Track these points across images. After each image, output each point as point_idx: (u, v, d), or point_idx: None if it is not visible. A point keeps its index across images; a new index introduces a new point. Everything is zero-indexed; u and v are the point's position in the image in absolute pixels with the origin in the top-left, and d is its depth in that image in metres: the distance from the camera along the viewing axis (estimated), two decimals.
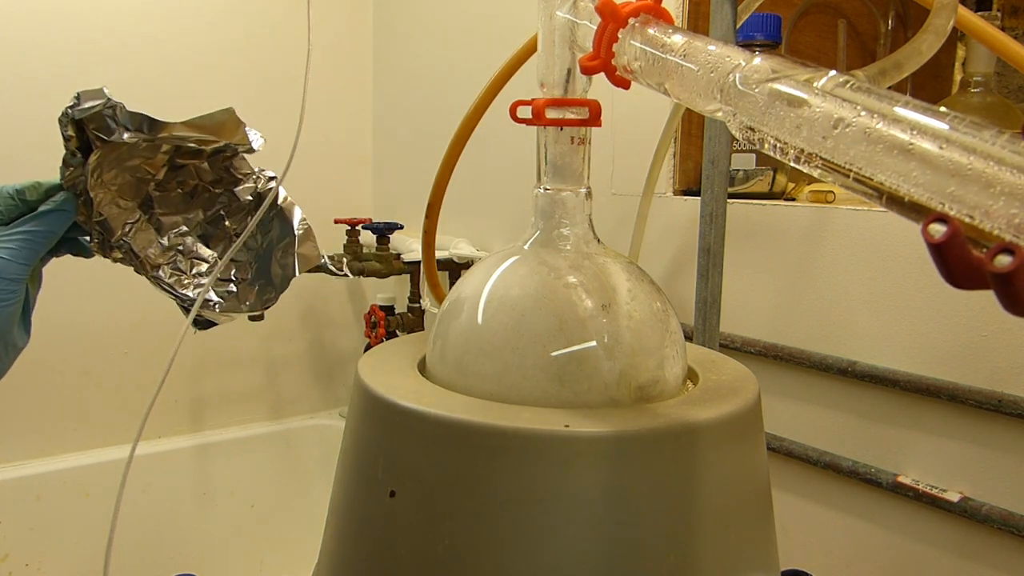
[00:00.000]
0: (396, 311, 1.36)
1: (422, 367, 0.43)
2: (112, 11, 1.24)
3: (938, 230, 0.21)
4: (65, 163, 0.50)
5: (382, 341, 1.07)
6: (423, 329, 1.35)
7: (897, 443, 0.74)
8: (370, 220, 1.32)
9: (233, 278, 0.58)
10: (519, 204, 1.21)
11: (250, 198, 0.59)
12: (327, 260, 1.26)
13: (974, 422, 0.69)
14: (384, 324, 1.32)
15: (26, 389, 1.23)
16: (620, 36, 0.34)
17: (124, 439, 1.30)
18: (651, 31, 0.33)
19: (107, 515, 0.44)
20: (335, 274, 1.25)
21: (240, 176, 0.58)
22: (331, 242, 1.35)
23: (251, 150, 0.56)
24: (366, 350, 1.35)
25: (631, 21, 0.34)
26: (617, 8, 0.35)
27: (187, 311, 0.55)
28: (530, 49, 0.65)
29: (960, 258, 0.21)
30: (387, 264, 1.28)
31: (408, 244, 1.31)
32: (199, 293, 0.55)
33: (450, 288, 1.30)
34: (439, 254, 1.19)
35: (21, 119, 1.18)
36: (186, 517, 1.33)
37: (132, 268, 0.55)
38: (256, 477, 1.41)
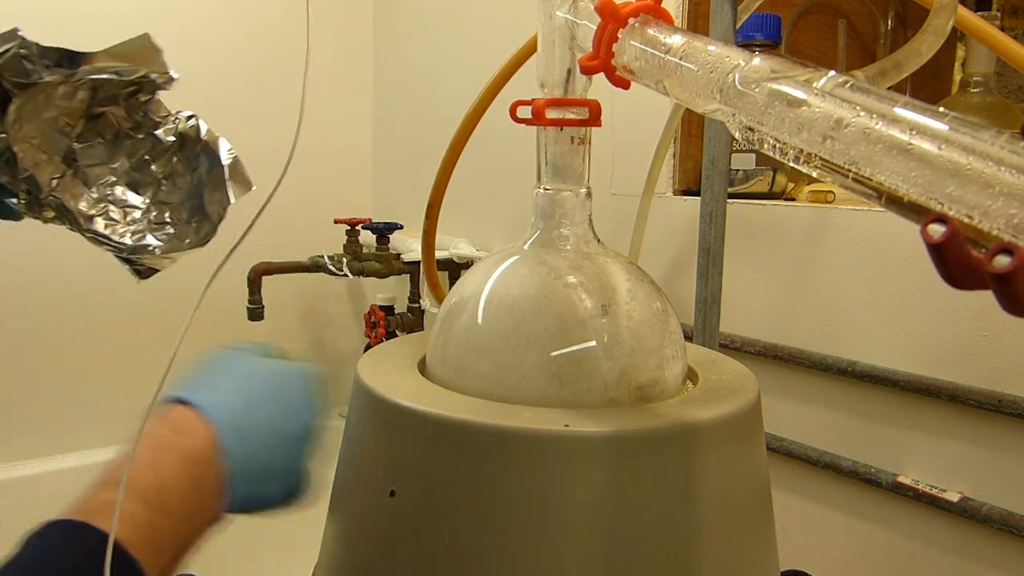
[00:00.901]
0: (396, 311, 1.36)
1: (422, 367, 0.43)
2: (111, 12, 1.24)
3: (937, 230, 0.21)
4: None
5: (382, 341, 1.07)
6: (423, 329, 1.35)
7: (897, 443, 0.74)
8: (370, 220, 1.32)
9: (168, 220, 0.58)
10: (519, 204, 1.21)
11: (172, 139, 0.58)
12: (327, 260, 1.26)
13: (974, 422, 0.69)
14: (384, 324, 1.32)
15: (26, 389, 1.23)
16: (620, 36, 0.34)
17: (124, 439, 1.30)
18: (651, 31, 0.33)
19: None
20: (335, 274, 1.25)
21: (158, 119, 0.58)
22: (331, 242, 1.35)
23: (170, 79, 0.56)
24: (366, 350, 1.35)
25: (631, 21, 0.34)
26: (617, 8, 0.35)
27: (127, 261, 0.55)
28: (530, 49, 0.65)
29: (959, 258, 0.21)
30: (387, 264, 1.28)
31: (408, 244, 1.31)
32: (137, 239, 0.55)
33: (450, 288, 1.30)
34: (439, 254, 1.19)
35: None
36: None
37: (66, 226, 0.54)
38: None
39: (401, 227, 1.32)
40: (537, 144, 0.41)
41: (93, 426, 1.29)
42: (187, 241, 0.56)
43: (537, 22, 0.41)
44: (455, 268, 1.25)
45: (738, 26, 0.64)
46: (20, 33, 0.47)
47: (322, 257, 1.27)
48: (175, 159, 0.58)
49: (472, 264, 1.23)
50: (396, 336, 1.14)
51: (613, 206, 0.99)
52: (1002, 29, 0.62)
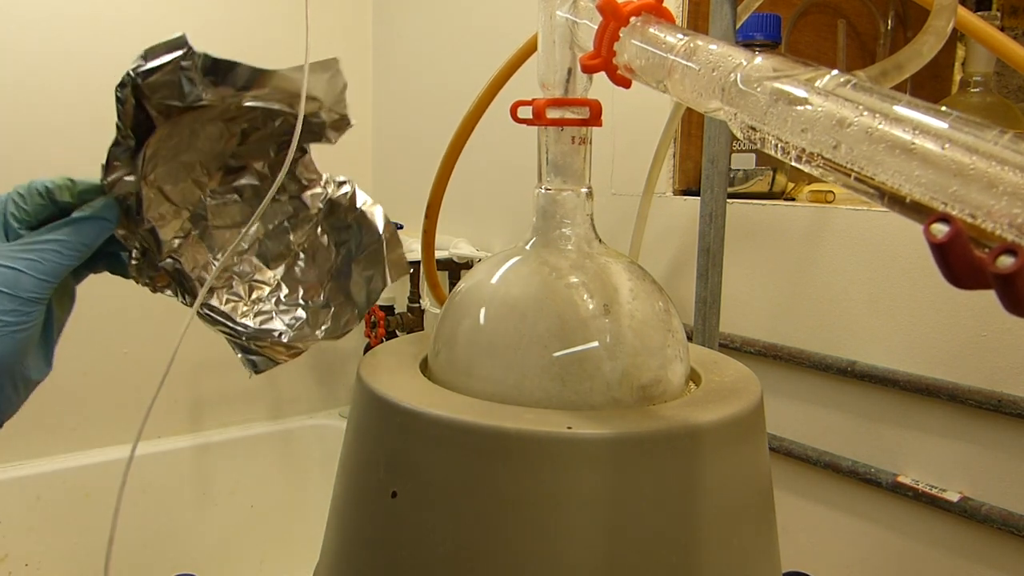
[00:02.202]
0: (396, 311, 1.36)
1: (423, 367, 0.43)
2: (112, 13, 1.24)
3: (940, 230, 0.21)
4: (111, 156, 0.39)
5: (382, 341, 1.07)
6: (423, 329, 1.35)
7: (897, 443, 0.74)
8: None
9: (301, 301, 0.48)
10: (519, 204, 1.21)
11: (320, 206, 0.49)
12: None
13: (974, 422, 0.69)
14: (384, 324, 1.32)
15: None
16: (621, 35, 0.34)
17: (124, 439, 1.30)
18: (652, 30, 0.33)
19: (107, 515, 0.44)
20: None
21: (306, 181, 0.48)
22: None
23: (346, 124, 0.46)
24: (366, 350, 1.35)
25: (632, 20, 0.34)
26: (619, 7, 0.35)
27: (243, 348, 0.46)
28: (530, 49, 0.65)
29: (962, 258, 0.21)
30: None
31: (408, 244, 1.31)
32: (261, 321, 0.45)
33: (450, 288, 1.30)
34: (439, 254, 1.19)
35: (22, 124, 1.18)
36: (186, 517, 1.33)
37: (177, 298, 0.45)
38: (256, 477, 1.41)
39: (401, 227, 1.32)
40: (538, 144, 0.41)
41: (93, 426, 1.29)
42: (322, 328, 0.47)
43: (537, 22, 0.41)
44: (455, 268, 1.25)
45: (738, 26, 0.64)
46: (187, 40, 0.39)
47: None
48: (319, 229, 0.48)
49: (472, 264, 1.23)
50: (396, 336, 1.14)
51: (613, 206, 0.99)
52: (1002, 29, 0.62)
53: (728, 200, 0.69)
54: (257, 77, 0.41)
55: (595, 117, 0.40)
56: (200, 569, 1.31)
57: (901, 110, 0.24)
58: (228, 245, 0.46)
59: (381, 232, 0.48)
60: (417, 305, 1.34)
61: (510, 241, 1.10)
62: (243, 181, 0.47)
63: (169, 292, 0.45)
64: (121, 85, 0.39)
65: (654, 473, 0.34)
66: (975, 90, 0.80)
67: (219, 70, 0.40)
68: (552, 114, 0.39)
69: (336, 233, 0.49)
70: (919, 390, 0.71)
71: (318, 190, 0.49)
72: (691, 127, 0.94)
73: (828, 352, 0.78)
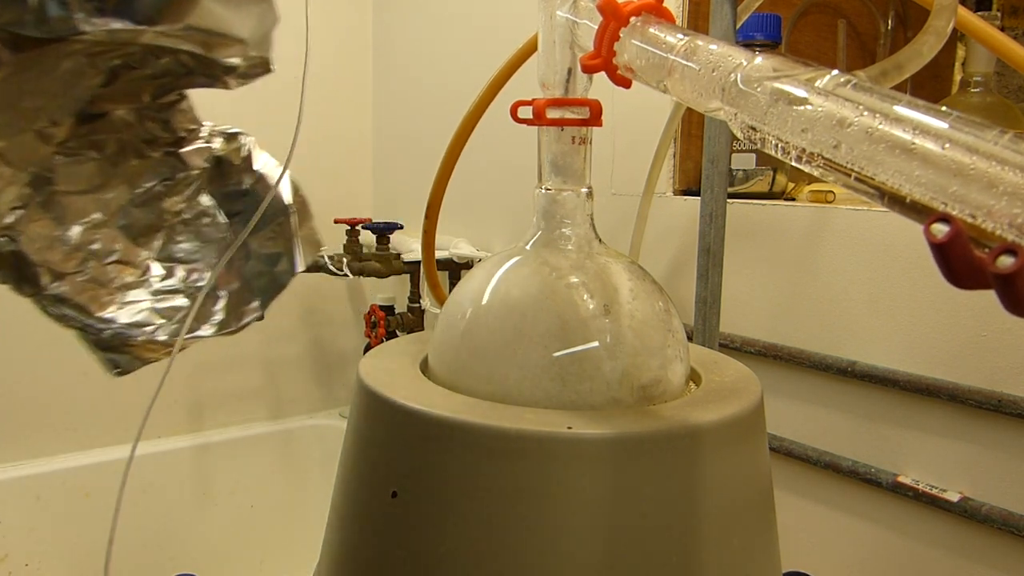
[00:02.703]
0: (396, 311, 1.36)
1: (424, 367, 0.43)
2: None
3: (940, 230, 0.21)
4: None
5: (382, 341, 1.07)
6: (423, 329, 1.35)
7: (897, 443, 0.74)
8: (370, 220, 1.32)
9: (181, 286, 0.37)
10: (519, 204, 1.21)
11: (205, 164, 0.38)
12: (327, 260, 1.26)
13: (974, 422, 0.69)
14: (384, 324, 1.32)
15: (26, 389, 1.23)
16: (622, 35, 0.34)
17: (124, 439, 1.30)
18: (653, 30, 0.33)
19: (107, 515, 0.44)
20: (335, 274, 1.25)
21: (184, 132, 0.37)
22: (331, 242, 1.35)
23: (266, 66, 0.37)
24: (366, 350, 1.35)
25: (633, 20, 0.34)
26: (619, 7, 0.35)
27: (102, 346, 0.36)
28: (530, 49, 0.65)
29: (962, 258, 0.21)
30: (387, 264, 1.28)
31: (408, 244, 1.31)
32: (132, 315, 0.34)
33: (450, 288, 1.30)
34: (439, 254, 1.19)
35: None
36: (186, 517, 1.33)
37: (9, 285, 0.35)
38: (256, 477, 1.41)
39: (401, 227, 1.32)
40: (538, 144, 0.41)
41: (93, 426, 1.29)
42: (212, 322, 0.38)
43: (537, 22, 0.41)
44: (455, 268, 1.25)
45: (738, 26, 0.64)
46: None
47: (322, 257, 1.27)
48: (204, 195, 0.38)
49: (472, 264, 1.23)
50: (396, 336, 1.14)
51: (613, 206, 0.99)
52: (1002, 29, 0.62)
53: (728, 200, 0.69)
54: (171, 5, 0.30)
55: (595, 117, 0.40)
56: (200, 569, 1.31)
57: (901, 110, 0.24)
58: (81, 217, 0.35)
59: (288, 201, 0.38)
60: (417, 305, 1.34)
61: (510, 241, 1.10)
62: (103, 132, 0.35)
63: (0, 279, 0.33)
64: None
65: (654, 473, 0.34)
66: (975, 90, 0.80)
67: None
68: (552, 114, 0.39)
69: (226, 200, 0.39)
70: (919, 390, 0.71)
71: (199, 144, 0.38)
72: (691, 127, 0.94)
73: (828, 352, 0.78)
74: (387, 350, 0.46)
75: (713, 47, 0.31)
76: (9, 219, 0.33)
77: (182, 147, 0.37)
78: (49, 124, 0.33)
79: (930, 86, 1.05)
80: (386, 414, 0.37)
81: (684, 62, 0.31)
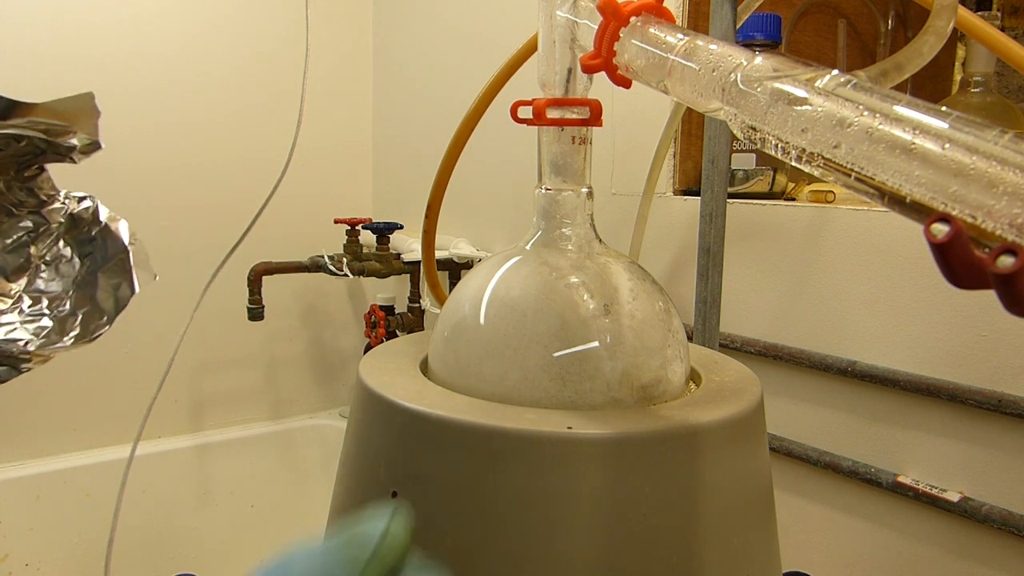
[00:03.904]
0: (396, 311, 1.36)
1: (424, 367, 0.43)
2: (110, 15, 1.24)
3: (941, 230, 0.21)
4: None
5: (382, 341, 1.07)
6: (423, 329, 1.35)
7: (897, 443, 0.74)
8: (370, 220, 1.32)
9: (47, 311, 0.49)
10: (519, 204, 1.21)
11: (61, 220, 0.51)
12: (327, 260, 1.26)
13: (974, 422, 0.69)
14: (384, 324, 1.32)
15: (26, 389, 1.23)
16: (622, 35, 0.34)
17: (124, 439, 1.30)
18: (653, 30, 0.33)
19: (107, 515, 0.44)
20: (335, 274, 1.25)
21: (45, 197, 0.50)
22: (331, 242, 1.35)
23: (96, 147, 0.49)
24: (366, 350, 1.35)
25: (633, 20, 0.34)
26: (619, 7, 0.35)
27: None
28: (530, 49, 0.65)
29: (962, 258, 0.21)
30: (387, 264, 1.28)
31: (408, 244, 1.31)
32: (5, 332, 0.46)
33: (450, 288, 1.29)
34: (439, 254, 1.19)
35: None
36: (186, 517, 1.33)
37: None
38: (256, 477, 1.41)
39: (401, 227, 1.32)
40: (538, 144, 0.41)
41: (93, 426, 1.29)
42: (70, 335, 0.49)
43: (537, 22, 0.41)
44: (455, 268, 1.25)
45: (738, 26, 0.64)
46: None
47: (322, 257, 1.27)
48: (60, 243, 0.50)
49: (472, 264, 1.23)
50: (396, 336, 1.14)
51: (613, 206, 0.99)
52: (1002, 29, 0.62)
53: (728, 200, 0.69)
54: (16, 109, 0.42)
55: (595, 117, 0.40)
56: (200, 569, 1.31)
57: (901, 110, 0.24)
58: None
59: (127, 243, 0.50)
60: (417, 305, 1.34)
61: (510, 241, 1.10)
62: None
63: None
64: None
65: (654, 473, 0.34)
66: (975, 90, 0.80)
67: None
68: (552, 114, 0.39)
69: (79, 246, 0.50)
70: (919, 390, 0.71)
71: (57, 205, 0.50)
72: (691, 127, 0.94)
73: (828, 352, 0.78)
74: (387, 350, 0.46)
75: (713, 47, 0.31)
76: None
77: (44, 208, 0.50)
78: None
79: (930, 86, 1.05)
80: (386, 414, 0.37)
81: (684, 62, 0.31)
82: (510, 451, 0.34)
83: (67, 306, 0.50)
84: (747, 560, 0.38)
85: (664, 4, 0.35)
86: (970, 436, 0.69)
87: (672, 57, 0.32)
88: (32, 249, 0.50)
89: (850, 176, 0.26)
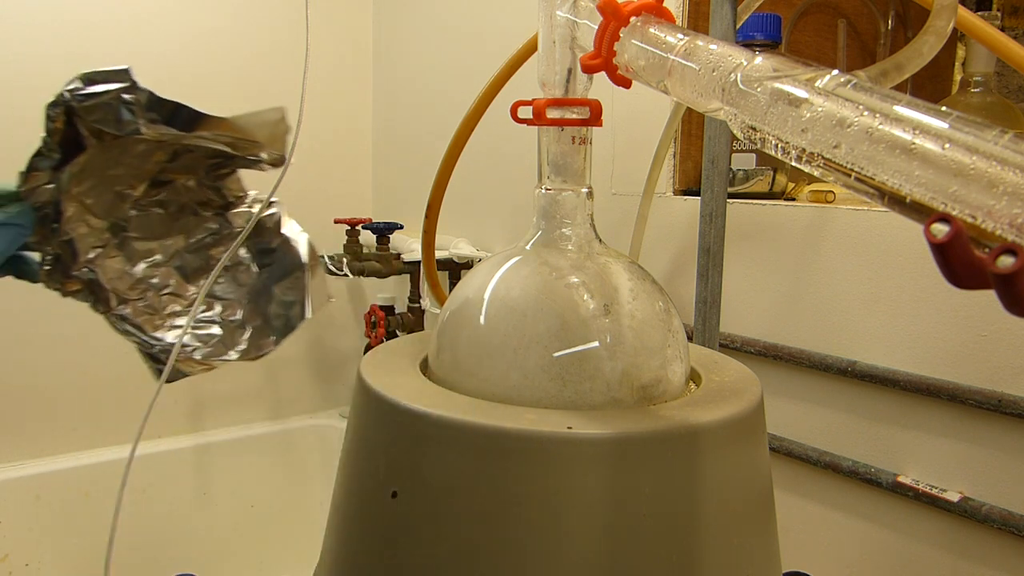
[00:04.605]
0: (396, 311, 1.36)
1: (424, 367, 0.43)
2: (110, 14, 1.24)
3: (941, 230, 0.21)
4: (32, 166, 0.39)
5: (382, 341, 1.07)
6: (423, 329, 1.35)
7: (897, 443, 0.74)
8: (370, 220, 1.32)
9: (218, 319, 0.48)
10: (519, 204, 1.21)
11: (244, 226, 0.49)
12: (327, 260, 1.26)
13: (974, 422, 0.69)
14: (384, 324, 1.32)
15: (26, 389, 1.23)
16: (622, 35, 0.34)
17: (124, 439, 1.30)
18: (653, 30, 0.33)
19: (107, 515, 0.44)
20: (335, 274, 1.25)
21: (233, 198, 0.49)
22: (331, 242, 1.35)
23: (282, 160, 0.47)
24: (366, 350, 1.35)
25: (633, 20, 0.34)
26: (619, 7, 0.35)
27: (152, 358, 0.46)
28: (530, 49, 0.65)
29: (962, 258, 0.21)
30: (387, 264, 1.28)
31: (408, 244, 1.31)
32: (175, 336, 0.45)
33: (450, 288, 1.29)
34: (439, 254, 1.19)
35: (14, 127, 1.18)
36: (186, 517, 1.33)
37: (87, 304, 0.45)
38: (256, 477, 1.41)
39: (401, 227, 1.32)
40: (538, 144, 0.41)
41: (93, 426, 1.29)
42: (237, 349, 0.47)
43: (537, 22, 0.41)
44: (455, 268, 1.25)
45: (738, 26, 0.64)
46: (131, 75, 0.39)
47: (322, 257, 1.27)
48: (243, 248, 0.48)
49: (472, 264, 1.23)
50: (396, 336, 1.14)
51: (613, 206, 0.99)
52: (1002, 29, 0.62)
53: (728, 200, 0.69)
54: (202, 121, 0.41)
55: (595, 117, 0.40)
56: (200, 569, 1.30)
57: (901, 110, 0.24)
58: (146, 257, 0.46)
59: (305, 261, 0.48)
60: (417, 305, 1.34)
61: (510, 241, 1.10)
62: (168, 195, 0.47)
63: (80, 298, 0.45)
64: (53, 104, 0.39)
65: (654, 473, 0.34)
66: (975, 90, 0.80)
67: (163, 109, 0.40)
68: (552, 114, 0.39)
69: (260, 255, 0.49)
70: (919, 390, 0.71)
71: (243, 208, 0.49)
72: (691, 127, 0.94)
73: (828, 352, 0.78)
74: (387, 350, 0.46)
75: (713, 47, 0.31)
76: (91, 255, 0.44)
77: (229, 210, 0.49)
78: (127, 187, 0.44)
79: (930, 86, 1.05)
80: (386, 414, 0.37)
81: (684, 62, 0.31)
82: (510, 451, 0.34)
83: (239, 315, 0.48)
84: (747, 560, 0.38)
85: (664, 4, 0.35)
86: (970, 436, 0.69)
87: (672, 57, 0.32)
88: (212, 251, 0.49)
89: (850, 176, 0.26)
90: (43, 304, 1.22)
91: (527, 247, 0.42)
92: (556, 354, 0.37)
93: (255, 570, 1.40)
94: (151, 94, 0.40)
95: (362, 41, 1.52)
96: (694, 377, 0.44)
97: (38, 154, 0.39)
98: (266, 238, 0.48)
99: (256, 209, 0.48)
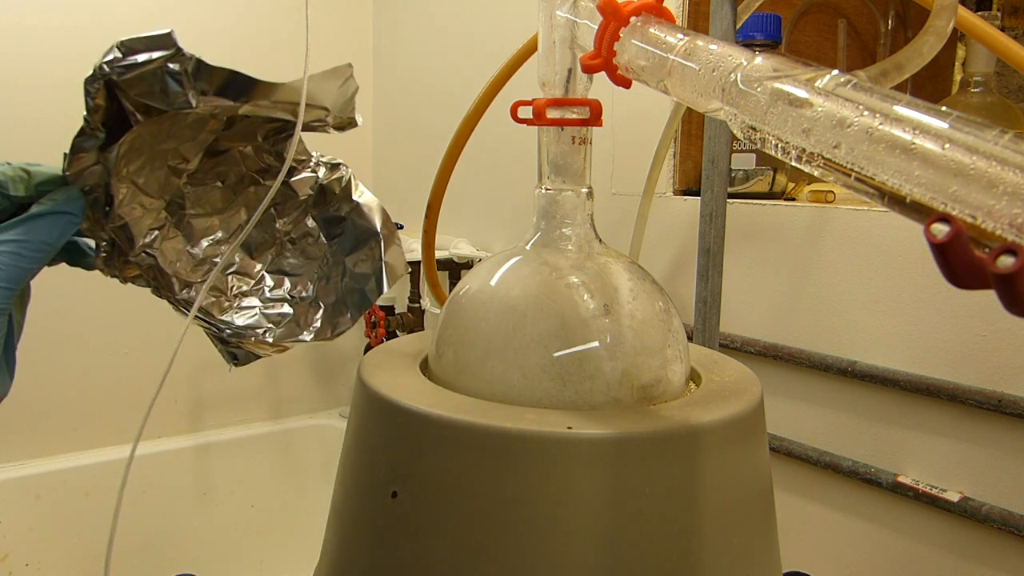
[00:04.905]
0: (396, 311, 1.36)
1: (424, 367, 0.43)
2: (110, 16, 1.24)
3: (941, 230, 0.21)
4: (75, 147, 0.35)
5: (382, 341, 1.07)
6: (423, 329, 1.35)
7: (897, 443, 0.74)
8: None
9: (288, 296, 0.44)
10: (519, 204, 1.21)
11: (311, 192, 0.44)
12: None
13: (974, 422, 0.69)
14: (384, 324, 1.32)
15: (26, 389, 1.23)
16: (622, 35, 0.34)
17: (124, 439, 1.30)
18: (653, 30, 0.33)
19: (107, 515, 0.44)
20: None
21: (295, 163, 0.44)
22: None
23: (352, 122, 0.42)
24: (366, 350, 1.35)
25: (633, 20, 0.34)
26: (619, 7, 0.35)
27: (223, 342, 0.43)
28: (530, 49, 0.65)
29: (962, 258, 0.21)
30: None
31: (408, 244, 1.31)
32: (245, 318, 0.42)
33: (450, 288, 1.30)
34: (439, 254, 1.19)
35: (17, 119, 1.18)
36: (186, 517, 1.33)
37: (150, 289, 0.42)
38: (256, 477, 1.41)
39: (401, 227, 1.32)
40: (538, 144, 0.41)
41: (93, 426, 1.29)
42: (311, 328, 0.43)
43: (537, 22, 0.41)
44: (455, 268, 1.25)
45: (738, 26, 0.64)
46: (175, 39, 0.36)
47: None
48: (308, 218, 0.44)
49: (472, 264, 1.23)
50: (396, 336, 1.14)
51: (613, 206, 0.99)
52: (1002, 29, 0.62)
53: (728, 200, 0.69)
54: (258, 89, 0.38)
55: (595, 117, 0.40)
56: (200, 569, 1.31)
57: (901, 110, 0.24)
58: (207, 235, 0.42)
59: (379, 229, 0.44)
60: (417, 305, 1.34)
61: (510, 241, 1.10)
62: (226, 165, 0.43)
63: (141, 284, 0.41)
64: (92, 78, 0.35)
65: (654, 473, 0.34)
66: (975, 90, 0.80)
67: (214, 78, 0.36)
68: (552, 114, 0.39)
69: (327, 224, 0.44)
70: (919, 390, 0.71)
71: (307, 174, 0.44)
72: (691, 127, 0.94)
73: (828, 352, 0.78)
74: (387, 350, 0.46)
75: (713, 47, 0.31)
76: (148, 238, 0.40)
77: (292, 176, 0.44)
78: (181, 161, 0.40)
79: (930, 86, 1.05)
80: (386, 414, 0.37)
81: (684, 62, 0.31)
82: (510, 451, 0.34)
83: (310, 291, 0.44)
84: (747, 560, 0.38)
85: (664, 4, 0.35)
86: (970, 436, 0.69)
87: (672, 57, 0.32)
88: (278, 223, 0.44)
89: (850, 176, 0.26)
90: (43, 304, 1.22)
91: (527, 247, 0.42)
92: (556, 354, 0.37)
93: (255, 570, 1.40)
94: (199, 61, 0.36)
95: (362, 41, 1.52)
96: (694, 377, 0.44)
97: (81, 134, 0.35)
98: (334, 205, 0.44)
99: (321, 174, 0.44)
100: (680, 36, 0.32)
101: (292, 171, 0.44)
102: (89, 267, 0.41)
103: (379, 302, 1.35)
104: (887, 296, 0.73)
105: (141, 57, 0.35)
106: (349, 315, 0.44)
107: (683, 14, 0.91)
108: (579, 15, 0.38)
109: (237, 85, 0.37)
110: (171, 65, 0.35)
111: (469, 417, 0.35)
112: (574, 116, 0.40)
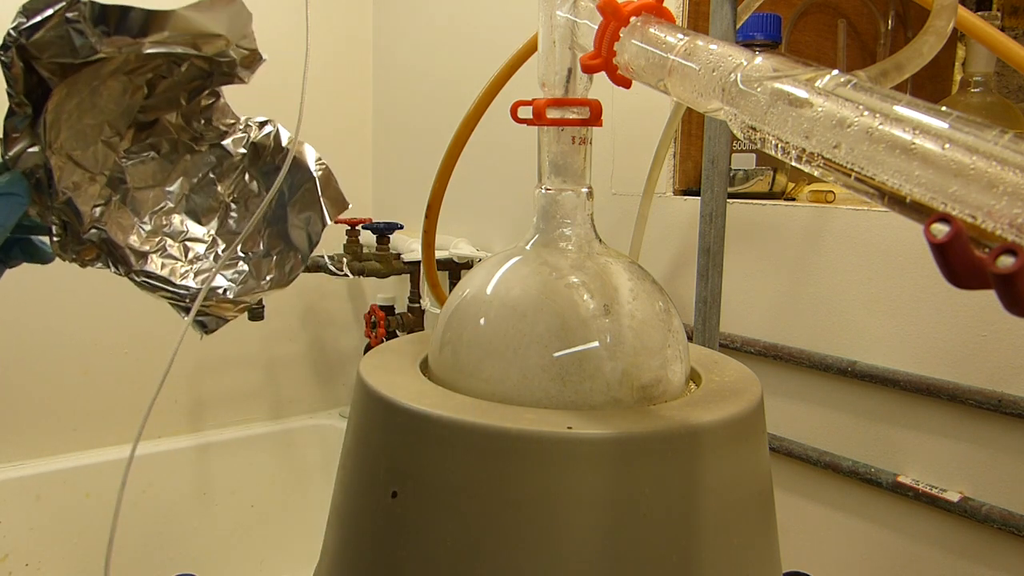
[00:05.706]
0: (396, 311, 1.36)
1: (424, 367, 0.43)
2: None
3: (941, 230, 0.21)
4: (8, 129, 0.37)
5: (382, 341, 1.07)
6: (423, 329, 1.35)
7: (897, 443, 0.74)
8: (370, 220, 1.32)
9: (241, 254, 0.46)
10: (519, 204, 1.21)
11: (243, 151, 0.46)
12: (327, 260, 1.26)
13: (974, 422, 0.69)
14: (384, 324, 1.32)
15: (26, 389, 1.23)
16: (622, 35, 0.34)
17: (124, 439, 1.30)
18: (653, 30, 0.33)
19: (107, 515, 0.43)
20: (335, 274, 1.25)
21: (224, 127, 0.47)
22: (331, 242, 1.35)
23: (257, 58, 0.44)
24: (366, 350, 1.35)
25: (633, 20, 0.34)
26: (619, 7, 0.35)
27: (187, 311, 0.44)
28: (530, 49, 0.65)
29: (962, 258, 0.21)
30: (387, 264, 1.28)
31: (408, 244, 1.31)
32: (203, 280, 0.43)
33: (450, 288, 1.30)
34: (439, 254, 1.19)
35: None
36: (186, 517, 1.33)
37: (110, 269, 0.43)
38: (256, 477, 1.41)
39: (401, 227, 1.32)
40: (538, 144, 0.41)
41: (93, 426, 1.29)
42: (268, 279, 0.45)
43: (537, 22, 0.41)
44: (455, 268, 1.25)
45: (738, 26, 0.64)
46: None
47: (322, 257, 1.27)
48: (246, 176, 0.46)
49: (472, 264, 1.23)
50: (396, 336, 1.14)
51: (613, 206, 0.99)
52: (1002, 29, 0.62)
53: (728, 200, 0.69)
54: (153, 20, 0.39)
55: (595, 117, 0.40)
56: (200, 569, 1.31)
57: (901, 110, 0.24)
58: (154, 205, 0.45)
59: (313, 170, 0.46)
60: (417, 305, 1.34)
61: (510, 241, 1.10)
62: (157, 136, 0.45)
63: (99, 264, 0.43)
64: (3, 47, 0.36)
65: (654, 473, 0.34)
66: (975, 90, 0.80)
67: (110, 18, 0.38)
68: (552, 114, 0.39)
69: (265, 178, 0.46)
70: (919, 390, 0.71)
71: (239, 135, 0.47)
72: (691, 127, 0.94)
73: (828, 352, 0.78)
74: (387, 350, 0.46)
75: (713, 47, 0.31)
76: (96, 213, 0.42)
77: (224, 139, 0.47)
78: (113, 135, 0.43)
79: (930, 86, 1.05)
80: (386, 414, 0.37)
81: (684, 62, 0.31)
82: (510, 451, 0.34)
83: (261, 246, 0.46)
84: (747, 560, 0.38)
85: (664, 4, 0.35)
86: (970, 436, 0.69)
87: (672, 57, 0.32)
88: (219, 187, 0.46)
89: (850, 176, 0.26)
90: (43, 304, 1.22)
91: (527, 247, 0.42)
92: (556, 354, 0.37)
93: (255, 570, 1.40)
94: (94, 3, 0.37)
95: (362, 40, 1.52)
96: (694, 377, 0.44)
97: (10, 114, 0.37)
98: (268, 158, 0.47)
99: (252, 133, 0.46)
100: (680, 36, 0.32)
101: (223, 134, 0.47)
102: (45, 260, 0.42)
103: (379, 302, 1.35)
104: (887, 296, 0.73)
105: (43, 14, 0.36)
106: (300, 256, 0.46)
107: (683, 14, 0.91)
108: (579, 15, 0.38)
109: (132, 19, 0.38)
110: (70, 15, 0.36)
111: (469, 417, 0.35)
112: (574, 116, 0.40)
